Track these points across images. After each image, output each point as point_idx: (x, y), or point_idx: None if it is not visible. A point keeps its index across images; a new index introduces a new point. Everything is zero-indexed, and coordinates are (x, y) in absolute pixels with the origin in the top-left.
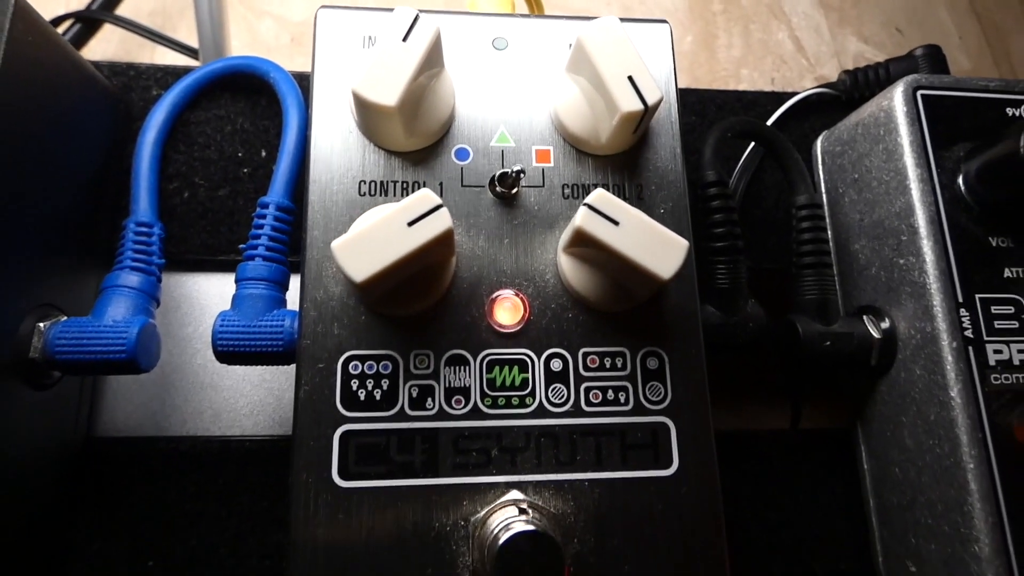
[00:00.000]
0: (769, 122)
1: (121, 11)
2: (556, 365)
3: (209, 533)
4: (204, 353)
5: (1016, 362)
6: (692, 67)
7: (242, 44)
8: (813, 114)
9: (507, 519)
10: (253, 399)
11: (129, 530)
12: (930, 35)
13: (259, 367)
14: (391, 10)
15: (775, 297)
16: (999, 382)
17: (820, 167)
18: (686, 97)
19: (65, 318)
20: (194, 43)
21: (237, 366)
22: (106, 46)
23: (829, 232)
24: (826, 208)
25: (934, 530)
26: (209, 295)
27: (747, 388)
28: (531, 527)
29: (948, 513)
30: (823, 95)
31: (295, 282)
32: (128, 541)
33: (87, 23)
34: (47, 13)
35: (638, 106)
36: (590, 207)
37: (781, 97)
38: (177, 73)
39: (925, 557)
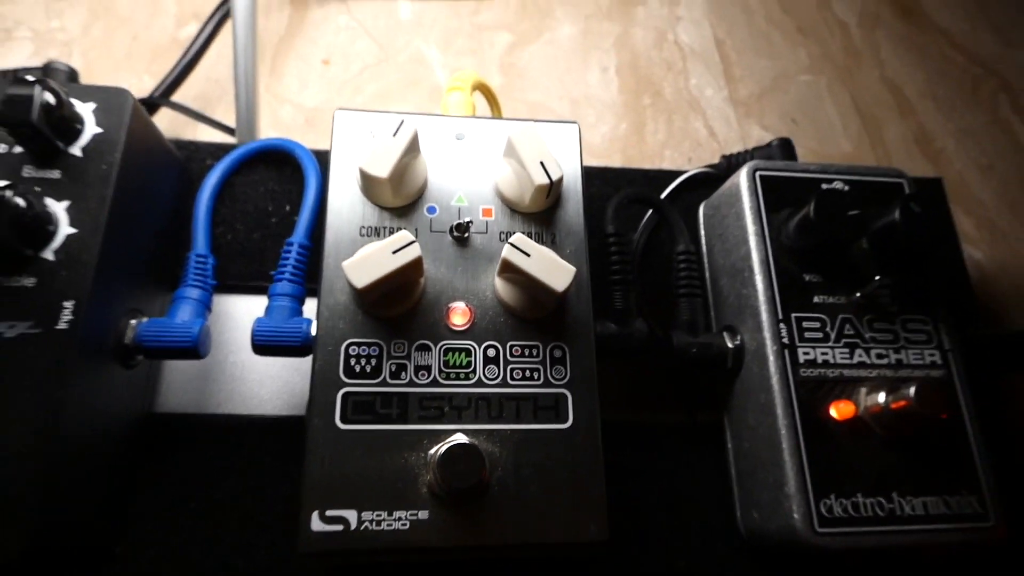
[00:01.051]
0: (664, 194)
1: (173, 97)
2: (491, 352)
3: (237, 484)
4: (237, 354)
5: (819, 361)
6: (626, 148)
7: (267, 123)
8: (700, 187)
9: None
10: (272, 388)
11: (177, 482)
12: (819, 125)
13: (278, 364)
14: (387, 112)
15: (665, 321)
16: (806, 374)
17: (701, 226)
18: (606, 173)
19: (147, 318)
20: (231, 122)
21: (261, 363)
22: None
23: (707, 273)
24: (706, 256)
25: (766, 482)
26: (241, 312)
27: (649, 398)
28: (462, 439)
29: (772, 468)
30: (707, 174)
31: (311, 303)
32: (176, 490)
33: (149, 107)
34: None
35: (546, 180)
36: (512, 244)
37: (676, 175)
38: (226, 149)
39: (763, 504)
